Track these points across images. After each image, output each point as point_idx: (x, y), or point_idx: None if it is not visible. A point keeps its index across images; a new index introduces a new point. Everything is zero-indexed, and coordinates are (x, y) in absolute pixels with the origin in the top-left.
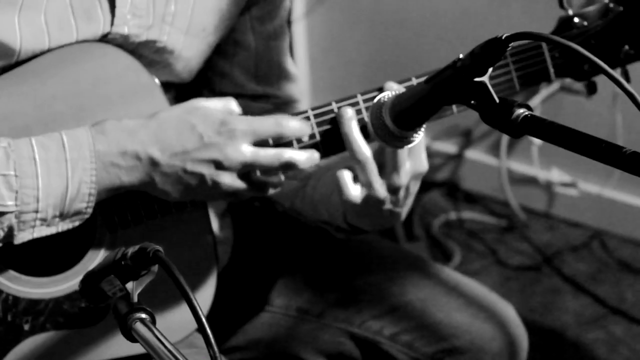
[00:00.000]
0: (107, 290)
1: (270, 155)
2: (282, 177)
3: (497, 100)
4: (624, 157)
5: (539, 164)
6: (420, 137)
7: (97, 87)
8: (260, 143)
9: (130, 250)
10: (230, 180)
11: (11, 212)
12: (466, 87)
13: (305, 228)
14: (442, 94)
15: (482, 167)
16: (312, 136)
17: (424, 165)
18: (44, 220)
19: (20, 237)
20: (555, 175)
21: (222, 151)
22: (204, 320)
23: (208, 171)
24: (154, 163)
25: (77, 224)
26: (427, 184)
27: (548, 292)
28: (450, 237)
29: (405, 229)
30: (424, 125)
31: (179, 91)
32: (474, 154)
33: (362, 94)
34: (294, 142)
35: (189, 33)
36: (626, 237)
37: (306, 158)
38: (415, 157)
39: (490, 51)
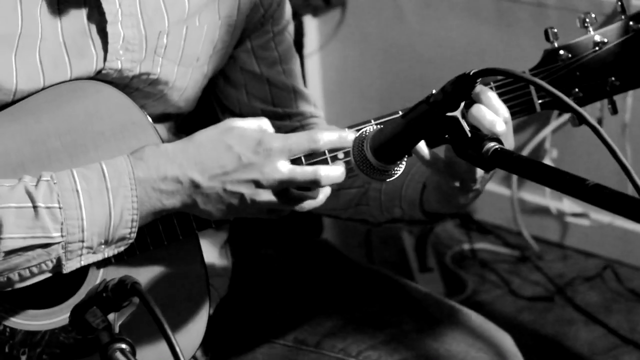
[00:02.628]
0: (92, 322)
1: (307, 172)
2: (325, 192)
3: (469, 134)
4: (587, 189)
5: (551, 195)
6: (402, 170)
7: (90, 124)
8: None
9: (111, 282)
10: (268, 198)
11: (58, 243)
12: (439, 121)
13: (303, 258)
14: (417, 128)
15: (495, 198)
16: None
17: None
18: (90, 248)
19: (69, 266)
20: (567, 205)
21: (260, 170)
22: (178, 351)
23: (247, 190)
24: (195, 185)
25: (122, 249)
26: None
27: (560, 323)
28: (464, 268)
29: (419, 260)
30: (405, 158)
31: (182, 121)
32: (487, 185)
33: (350, 127)
34: (328, 159)
35: (182, 64)
36: (638, 267)
37: (342, 172)
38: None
39: (460, 87)
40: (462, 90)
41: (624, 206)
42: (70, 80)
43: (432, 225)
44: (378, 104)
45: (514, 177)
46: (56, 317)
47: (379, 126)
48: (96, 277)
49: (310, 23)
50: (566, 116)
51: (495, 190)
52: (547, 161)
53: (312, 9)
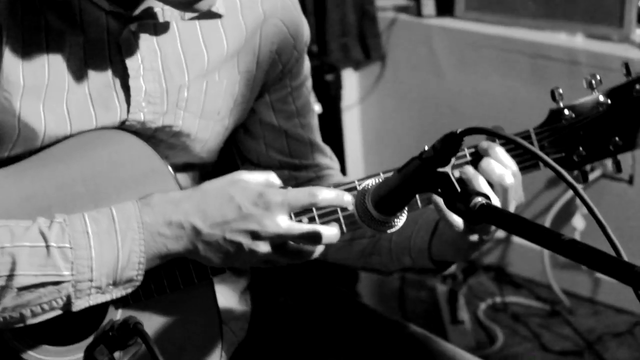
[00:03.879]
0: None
1: (303, 230)
2: (319, 248)
3: (459, 189)
4: (562, 244)
5: None
6: (402, 222)
7: (113, 172)
8: (303, 212)
9: (117, 322)
10: (265, 249)
11: (68, 281)
12: (431, 176)
13: (321, 307)
14: (411, 182)
15: (527, 252)
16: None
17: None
18: (98, 288)
19: (78, 305)
20: None
21: (259, 222)
22: None
23: (245, 240)
24: (196, 232)
25: (129, 290)
26: (475, 267)
27: None
28: (495, 320)
29: (451, 312)
30: (405, 210)
31: (206, 170)
32: (519, 239)
33: (360, 180)
34: (339, 212)
35: (203, 117)
36: None
37: (335, 234)
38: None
39: (448, 144)
40: (450, 147)
41: (596, 261)
42: (95, 129)
43: (464, 278)
44: (415, 154)
45: None
46: (76, 354)
47: (377, 181)
48: (115, 317)
49: (351, 76)
50: (597, 173)
51: (527, 244)
52: (578, 217)
53: (353, 63)
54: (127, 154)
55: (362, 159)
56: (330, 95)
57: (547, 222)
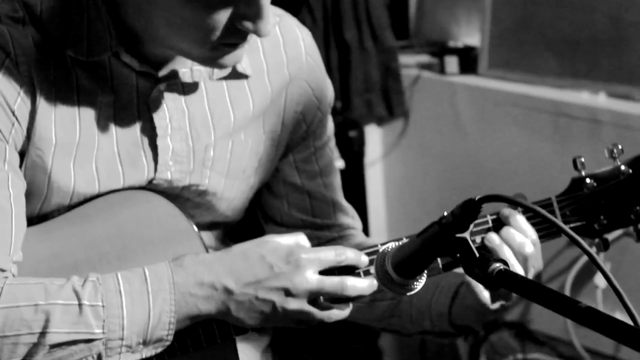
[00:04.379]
0: None
1: (334, 283)
2: (350, 304)
3: (477, 255)
4: (579, 311)
5: (604, 307)
6: (421, 285)
7: (140, 231)
8: (327, 271)
9: None
10: (298, 306)
11: (99, 339)
12: (450, 241)
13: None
14: (430, 247)
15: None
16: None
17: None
18: (129, 347)
19: None
20: (620, 317)
21: (290, 280)
22: None
23: (278, 298)
24: (228, 292)
25: (159, 350)
26: (496, 324)
27: None
28: None
29: None
30: (425, 274)
31: (230, 229)
32: None
33: (383, 243)
34: (362, 274)
35: (229, 176)
36: None
37: (367, 285)
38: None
39: (467, 211)
40: (469, 213)
41: (612, 329)
42: (123, 189)
43: (486, 334)
44: (438, 213)
45: (567, 289)
46: None
47: (397, 244)
48: None
49: (374, 132)
50: (619, 231)
51: None
52: (600, 276)
53: (376, 119)
54: (154, 213)
55: (385, 215)
56: (353, 151)
57: (569, 279)
